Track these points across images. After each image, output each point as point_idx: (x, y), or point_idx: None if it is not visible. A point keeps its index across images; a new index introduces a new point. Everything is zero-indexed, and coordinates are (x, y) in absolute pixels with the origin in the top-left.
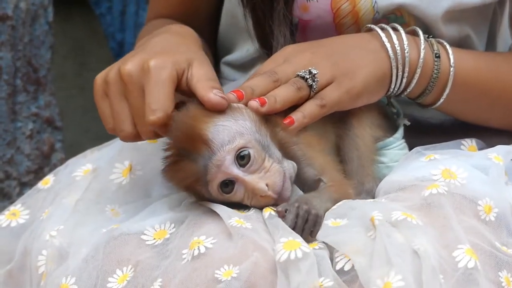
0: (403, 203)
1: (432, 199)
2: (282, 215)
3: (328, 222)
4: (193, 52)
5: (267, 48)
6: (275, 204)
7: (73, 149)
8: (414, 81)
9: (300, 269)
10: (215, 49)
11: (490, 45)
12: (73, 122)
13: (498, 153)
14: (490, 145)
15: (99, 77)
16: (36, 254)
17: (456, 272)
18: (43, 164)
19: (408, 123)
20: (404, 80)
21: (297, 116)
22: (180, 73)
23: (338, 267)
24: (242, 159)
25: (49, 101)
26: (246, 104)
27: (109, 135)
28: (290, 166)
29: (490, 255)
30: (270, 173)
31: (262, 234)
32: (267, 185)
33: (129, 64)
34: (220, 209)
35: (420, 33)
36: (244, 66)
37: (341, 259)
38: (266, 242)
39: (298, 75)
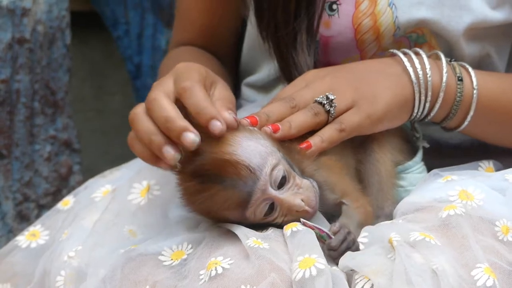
0: (420, 224)
1: (450, 220)
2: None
3: None
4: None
5: (291, 79)
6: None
7: (91, 172)
8: (437, 105)
9: None
10: (237, 72)
11: (511, 65)
12: (90, 144)
13: None
14: (508, 166)
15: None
16: (55, 274)
17: None
18: (61, 187)
19: (427, 145)
20: (427, 105)
21: (315, 141)
22: (206, 83)
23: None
24: (281, 179)
25: (67, 123)
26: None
27: (126, 157)
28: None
29: (509, 274)
30: (303, 189)
31: (279, 255)
32: (302, 200)
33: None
34: (238, 229)
35: (442, 56)
36: (266, 87)
37: (360, 280)
38: (283, 262)
39: (316, 101)
